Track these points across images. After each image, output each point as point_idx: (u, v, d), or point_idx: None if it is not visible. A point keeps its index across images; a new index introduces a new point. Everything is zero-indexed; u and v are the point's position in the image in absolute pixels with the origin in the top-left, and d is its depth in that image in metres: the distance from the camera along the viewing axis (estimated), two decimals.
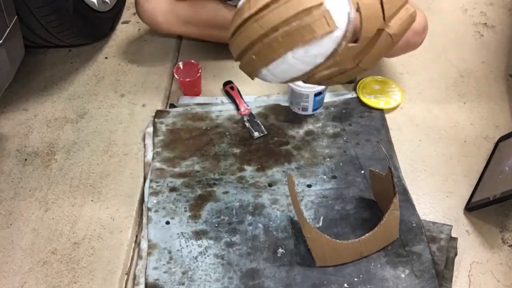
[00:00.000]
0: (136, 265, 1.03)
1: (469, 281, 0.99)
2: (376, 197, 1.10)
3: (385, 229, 0.98)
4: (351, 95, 1.34)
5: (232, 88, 1.36)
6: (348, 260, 1.01)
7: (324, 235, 0.96)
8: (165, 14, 1.34)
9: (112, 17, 1.57)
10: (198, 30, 1.41)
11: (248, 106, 1.31)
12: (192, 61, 1.36)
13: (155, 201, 1.12)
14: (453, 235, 1.05)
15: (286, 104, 1.32)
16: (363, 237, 0.97)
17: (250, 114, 1.29)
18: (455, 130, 1.27)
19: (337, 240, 0.97)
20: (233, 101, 1.33)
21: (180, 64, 1.35)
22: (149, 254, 1.04)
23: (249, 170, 1.18)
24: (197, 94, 1.38)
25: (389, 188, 0.98)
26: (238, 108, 1.31)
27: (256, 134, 1.25)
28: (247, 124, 1.27)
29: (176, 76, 1.33)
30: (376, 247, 1.01)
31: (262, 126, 1.26)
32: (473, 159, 1.20)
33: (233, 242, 1.05)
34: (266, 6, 0.84)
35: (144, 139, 1.26)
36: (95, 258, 1.05)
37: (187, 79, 1.33)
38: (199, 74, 1.34)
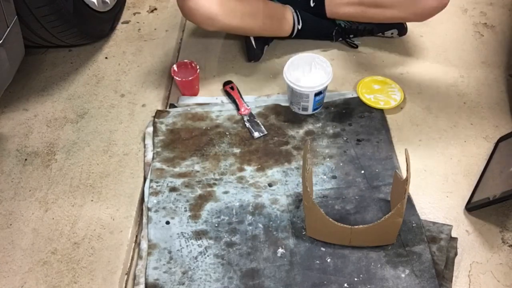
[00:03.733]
0: (136, 265, 1.04)
1: (469, 281, 0.99)
2: (391, 198, 1.10)
3: (381, 229, 0.98)
4: (351, 95, 1.34)
5: (232, 88, 1.36)
6: (335, 241, 1.02)
7: (320, 209, 0.96)
8: (222, 4, 1.22)
9: (112, 17, 1.57)
10: (256, 23, 1.32)
11: (248, 106, 1.31)
12: (187, 60, 1.36)
13: (155, 201, 1.12)
14: (453, 235, 1.05)
15: (286, 104, 1.32)
16: (356, 226, 0.98)
17: (250, 114, 1.29)
18: (455, 130, 1.27)
19: (330, 219, 0.97)
20: (233, 101, 1.33)
21: (175, 66, 1.34)
22: (149, 254, 1.04)
23: (249, 170, 1.18)
24: (196, 93, 1.38)
25: (401, 193, 0.97)
26: (238, 108, 1.31)
27: (256, 134, 1.25)
28: (247, 124, 1.27)
29: (174, 76, 1.33)
30: (366, 242, 1.01)
31: (262, 126, 1.26)
32: (473, 159, 1.20)
33: (233, 242, 1.05)
34: None
35: (144, 139, 1.26)
36: (95, 258, 1.05)
37: (184, 79, 1.32)
38: (197, 73, 1.33)
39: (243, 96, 1.34)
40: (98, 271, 1.03)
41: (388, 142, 1.22)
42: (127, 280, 1.04)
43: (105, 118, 1.33)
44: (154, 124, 1.28)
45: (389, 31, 1.45)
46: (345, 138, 1.24)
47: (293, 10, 1.40)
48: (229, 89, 1.36)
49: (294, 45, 1.47)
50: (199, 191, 1.14)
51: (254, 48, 1.41)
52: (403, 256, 1.00)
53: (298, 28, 1.41)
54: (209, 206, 1.11)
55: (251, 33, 1.39)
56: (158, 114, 1.30)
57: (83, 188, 1.18)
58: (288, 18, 1.39)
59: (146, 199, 1.13)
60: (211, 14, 1.22)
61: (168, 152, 1.22)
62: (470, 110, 1.31)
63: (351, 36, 1.48)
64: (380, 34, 1.48)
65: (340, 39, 1.48)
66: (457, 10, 1.62)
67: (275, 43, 1.48)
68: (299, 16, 1.40)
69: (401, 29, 1.45)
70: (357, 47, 1.47)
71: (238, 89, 1.35)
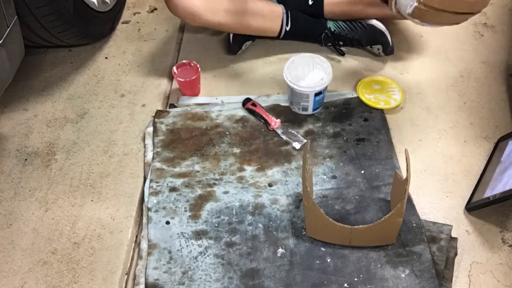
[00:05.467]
0: (136, 265, 1.04)
1: (469, 281, 1.00)
2: (391, 198, 1.10)
3: (381, 229, 0.98)
4: (351, 95, 1.34)
5: (254, 104, 1.30)
6: (336, 242, 1.02)
7: (320, 209, 0.96)
8: (206, 0, 1.26)
9: (112, 17, 1.57)
10: (240, 21, 1.33)
11: (277, 119, 1.26)
12: (186, 61, 1.35)
13: (155, 201, 1.12)
14: (453, 235, 1.05)
15: (286, 104, 1.32)
16: (356, 226, 0.98)
17: (282, 126, 1.26)
18: (455, 130, 1.27)
19: (330, 219, 0.97)
20: (260, 118, 1.28)
21: (175, 68, 1.34)
22: (149, 254, 1.04)
23: (249, 170, 1.18)
24: (197, 93, 1.38)
25: (401, 193, 0.97)
26: (267, 123, 1.26)
27: (296, 144, 1.21)
28: (283, 137, 1.23)
29: (175, 77, 1.33)
30: (367, 242, 1.02)
31: (299, 135, 1.24)
32: (473, 159, 1.20)
33: (233, 242, 1.05)
34: None
35: (144, 139, 1.26)
36: (95, 258, 1.05)
37: (185, 79, 1.32)
38: (197, 73, 1.33)
39: (243, 96, 1.33)
40: (98, 271, 1.03)
41: (388, 142, 1.22)
42: (127, 280, 1.04)
43: (105, 118, 1.33)
44: (154, 124, 1.28)
45: (375, 46, 1.39)
46: (345, 138, 1.24)
47: (284, 11, 1.38)
48: (251, 106, 1.30)
49: (294, 45, 1.47)
50: (199, 191, 1.14)
51: (230, 42, 1.41)
52: (403, 256, 1.00)
53: (286, 29, 1.40)
54: (209, 206, 1.11)
55: (235, 31, 1.39)
56: (158, 114, 1.30)
57: (83, 188, 1.18)
58: (276, 19, 1.37)
59: (146, 199, 1.13)
60: (192, 10, 1.26)
61: (168, 152, 1.22)
62: (470, 110, 1.31)
63: (341, 43, 1.43)
64: (369, 47, 1.42)
65: (329, 44, 1.44)
66: None
67: (275, 43, 1.48)
68: (290, 17, 1.38)
69: (387, 46, 1.38)
70: (343, 54, 1.44)
71: (260, 105, 1.30)
